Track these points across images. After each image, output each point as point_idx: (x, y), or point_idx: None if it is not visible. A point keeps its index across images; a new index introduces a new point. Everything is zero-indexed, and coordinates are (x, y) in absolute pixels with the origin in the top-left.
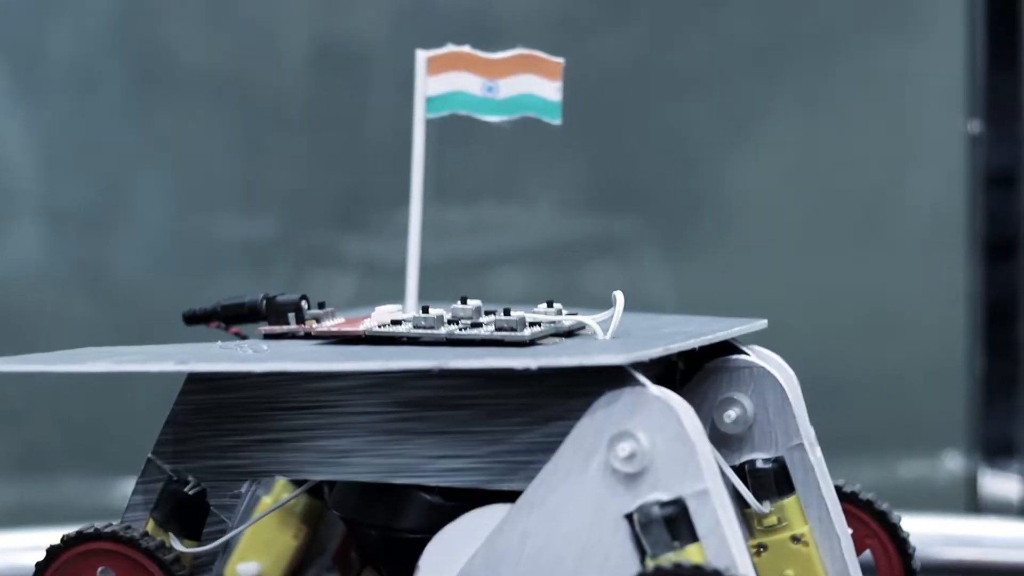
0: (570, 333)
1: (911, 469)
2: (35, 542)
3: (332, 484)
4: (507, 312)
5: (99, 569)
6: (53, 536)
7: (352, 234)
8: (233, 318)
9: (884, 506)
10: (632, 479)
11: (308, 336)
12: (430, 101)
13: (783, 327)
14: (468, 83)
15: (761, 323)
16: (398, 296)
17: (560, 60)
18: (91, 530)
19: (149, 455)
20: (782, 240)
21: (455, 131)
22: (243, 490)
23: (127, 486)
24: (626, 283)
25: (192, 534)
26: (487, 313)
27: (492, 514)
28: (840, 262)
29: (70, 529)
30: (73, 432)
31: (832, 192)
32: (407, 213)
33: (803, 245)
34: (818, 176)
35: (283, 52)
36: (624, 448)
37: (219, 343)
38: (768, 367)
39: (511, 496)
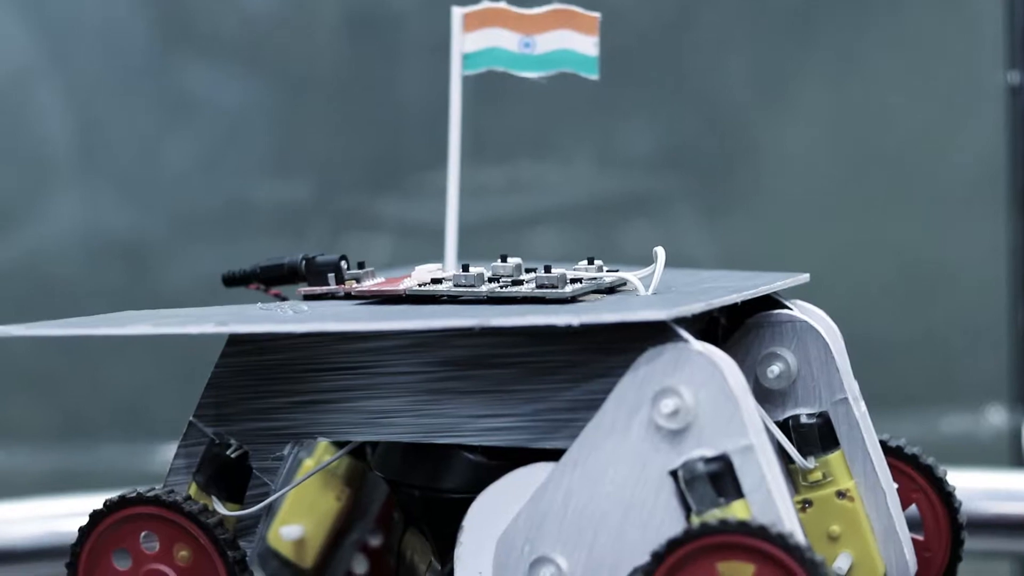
0: (611, 290)
1: (953, 424)
2: (77, 508)
3: (374, 445)
4: (548, 269)
5: (142, 533)
6: (95, 501)
7: (387, 196)
8: (272, 279)
9: (930, 460)
10: (676, 435)
11: (348, 296)
12: (466, 58)
13: (823, 284)
14: (504, 39)
15: (803, 277)
16: (434, 257)
17: (597, 15)
18: (134, 494)
19: (191, 418)
20: (821, 197)
21: (489, 89)
22: (285, 452)
23: (167, 451)
24: (663, 241)
25: (235, 497)
26: (527, 271)
27: (535, 473)
28: (880, 218)
29: (112, 494)
30: (113, 398)
31: (871, 148)
32: (441, 174)
33: (843, 202)
34: (856, 132)
35: (316, 15)
36: (668, 404)
37: (259, 304)
38: (811, 321)
39: (554, 454)
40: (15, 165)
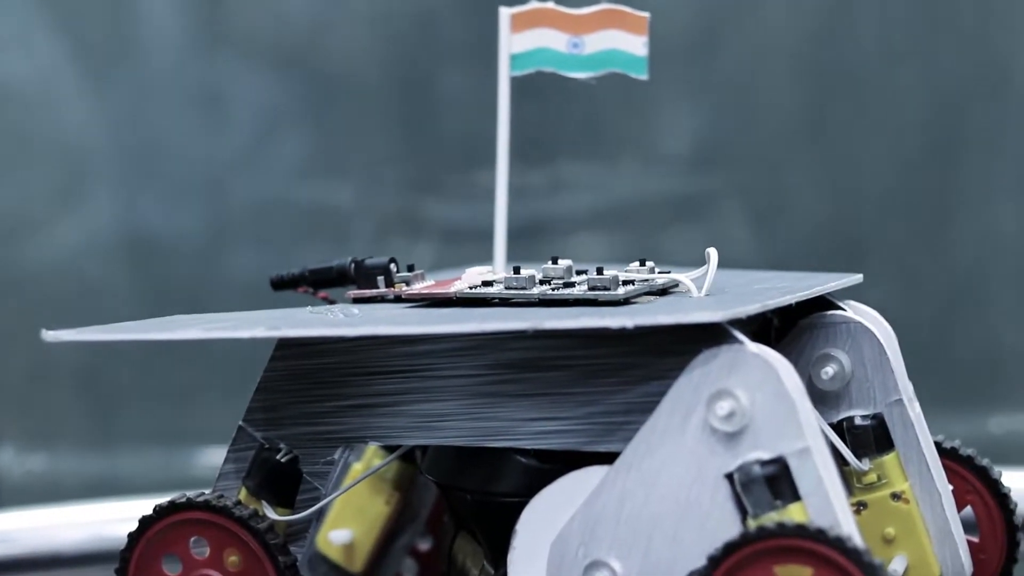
0: (663, 291)
1: (1001, 424)
2: (124, 513)
3: (424, 448)
4: (600, 271)
5: (192, 538)
6: (142, 506)
7: (430, 197)
8: (321, 282)
9: (985, 462)
10: (732, 438)
11: (398, 299)
12: (514, 58)
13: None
14: (553, 39)
15: (857, 277)
16: (478, 259)
17: (646, 14)
18: (184, 499)
19: (240, 422)
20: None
21: (534, 89)
22: (336, 457)
23: (211, 456)
24: (710, 241)
25: (285, 502)
26: (579, 272)
27: (589, 476)
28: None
29: (158, 499)
30: (157, 402)
31: (926, 146)
32: (483, 175)
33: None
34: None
35: (355, 14)
36: (723, 407)
37: (309, 308)
38: (865, 322)
39: (608, 458)
40: (51, 165)
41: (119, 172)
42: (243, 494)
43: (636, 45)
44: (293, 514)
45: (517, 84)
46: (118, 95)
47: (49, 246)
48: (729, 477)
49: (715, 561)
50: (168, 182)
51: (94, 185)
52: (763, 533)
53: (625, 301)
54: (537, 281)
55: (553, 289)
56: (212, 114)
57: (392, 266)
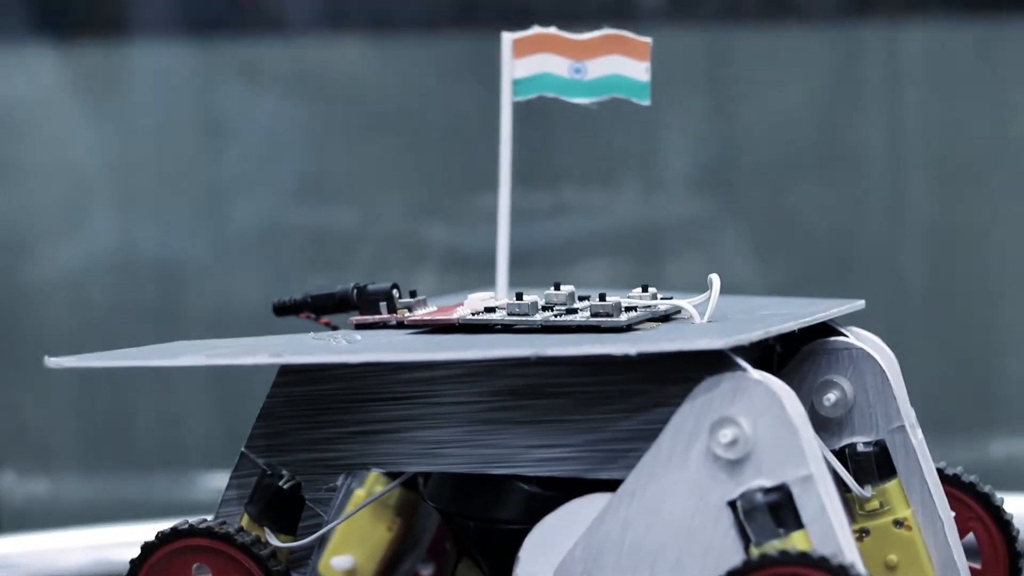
0: (666, 318)
1: (1000, 449)
2: (125, 537)
3: (427, 475)
4: (603, 297)
5: (194, 565)
6: (143, 530)
7: (431, 222)
8: (323, 308)
9: (987, 488)
10: (735, 465)
11: (400, 325)
12: (517, 84)
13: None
14: (555, 65)
15: (859, 303)
16: (480, 284)
17: (648, 40)
18: (185, 526)
19: (243, 449)
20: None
21: (535, 114)
22: (338, 483)
23: (211, 480)
24: (711, 267)
25: (288, 528)
26: (581, 298)
27: (592, 503)
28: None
29: (159, 524)
30: (157, 426)
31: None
32: (486, 199)
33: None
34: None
35: (356, 37)
36: (726, 434)
37: (311, 334)
38: (867, 348)
39: (611, 485)
40: (51, 186)
41: (116, 192)
42: (245, 520)
43: (638, 71)
44: (295, 540)
45: (519, 108)
46: (118, 118)
47: (46, 267)
48: (732, 505)
49: None
50: (165, 204)
51: (91, 205)
52: (766, 561)
53: (628, 328)
54: (540, 307)
55: (556, 316)
56: (213, 136)
57: (395, 292)
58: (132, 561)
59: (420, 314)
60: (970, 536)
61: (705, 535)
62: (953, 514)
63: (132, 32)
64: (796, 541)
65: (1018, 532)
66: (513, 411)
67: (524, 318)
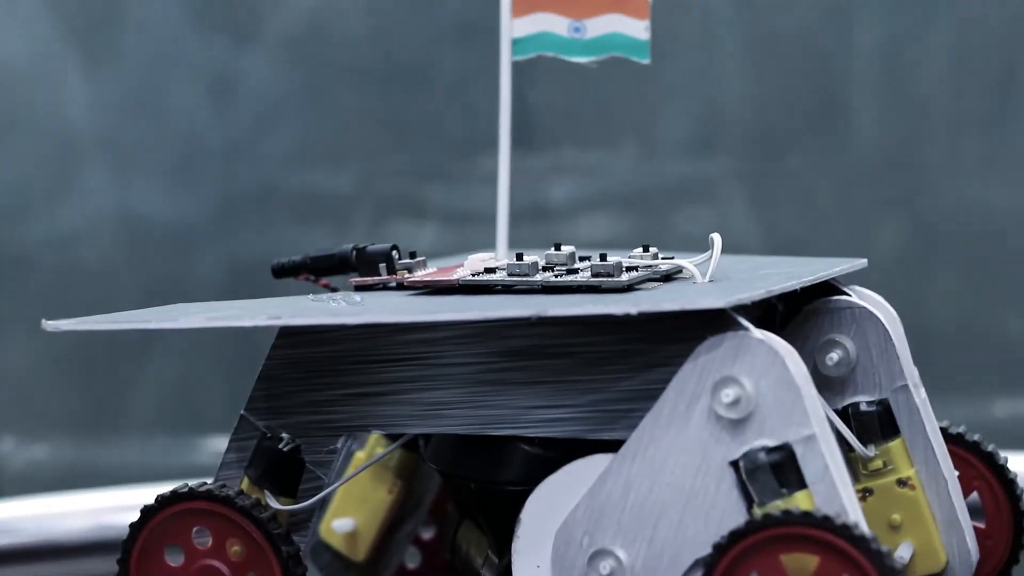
0: (667, 277)
1: (1005, 408)
2: (126, 501)
3: (427, 437)
4: (603, 257)
5: (194, 529)
6: (143, 494)
7: (431, 183)
8: (322, 270)
9: (991, 447)
10: (737, 425)
11: (400, 287)
12: (516, 43)
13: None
14: (554, 24)
15: (861, 262)
16: (479, 244)
17: None
18: (185, 489)
19: (242, 412)
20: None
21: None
22: (339, 445)
23: (214, 444)
24: (714, 227)
25: (288, 491)
26: (582, 259)
27: (594, 464)
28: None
29: (159, 488)
30: (157, 388)
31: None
32: (484, 160)
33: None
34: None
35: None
36: (728, 394)
37: (310, 296)
38: (870, 307)
39: (612, 445)
40: (46, 147)
41: (112, 154)
42: (245, 483)
43: (638, 29)
44: (296, 503)
45: (517, 68)
46: (113, 75)
47: (41, 228)
48: (734, 465)
49: (721, 549)
50: (162, 165)
51: (86, 167)
52: (769, 521)
53: (629, 288)
54: (540, 268)
55: (556, 276)
56: (209, 96)
57: (394, 253)
58: (132, 525)
59: (420, 275)
60: (974, 495)
61: (708, 495)
62: (957, 473)
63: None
64: (799, 501)
65: (1022, 491)
66: (514, 372)
67: (525, 278)
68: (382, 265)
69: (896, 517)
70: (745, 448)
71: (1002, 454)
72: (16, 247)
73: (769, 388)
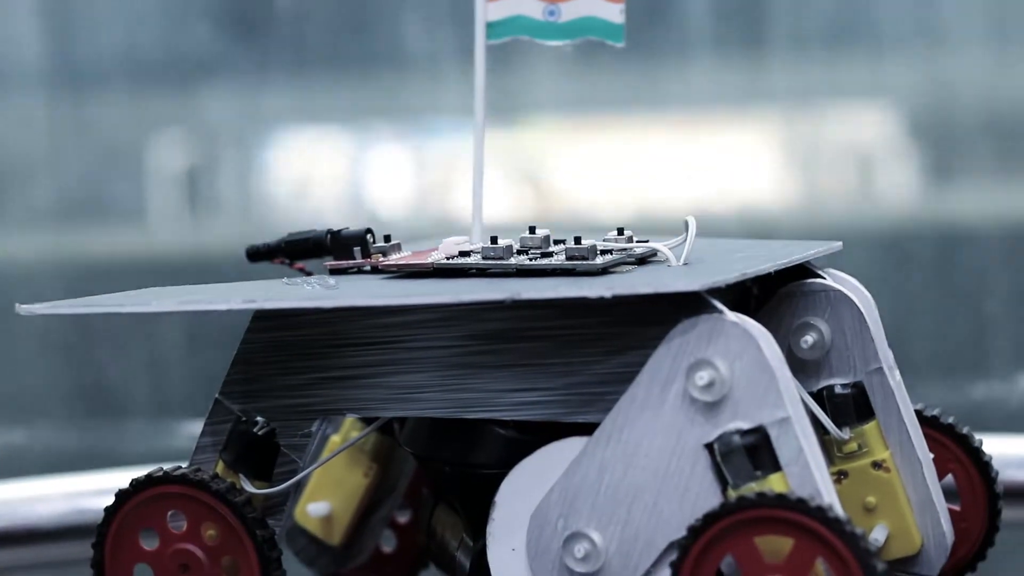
0: (642, 260)
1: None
2: (101, 485)
3: (402, 420)
4: (578, 241)
5: (169, 512)
6: (119, 478)
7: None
8: (297, 253)
9: (966, 430)
10: (711, 408)
11: (375, 270)
12: (490, 27)
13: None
14: (528, 7)
15: (836, 245)
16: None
17: None
18: (160, 473)
19: (217, 395)
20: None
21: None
22: (313, 429)
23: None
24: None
25: (263, 475)
26: (556, 242)
27: (569, 447)
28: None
29: (136, 472)
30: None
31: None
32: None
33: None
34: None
35: None
36: (702, 376)
37: (284, 279)
38: (844, 290)
39: (587, 428)
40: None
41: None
42: (220, 467)
43: (613, 12)
44: (271, 487)
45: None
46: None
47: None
48: (709, 447)
49: (695, 532)
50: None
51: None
52: (743, 503)
53: (603, 271)
54: (514, 251)
55: (531, 259)
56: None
57: (369, 237)
58: (107, 508)
59: (394, 259)
60: (949, 477)
61: (682, 478)
62: (932, 455)
63: None
64: (773, 483)
65: (996, 473)
66: (489, 355)
67: (499, 262)
68: (357, 249)
69: (871, 500)
70: (719, 431)
71: (976, 436)
72: None
73: (743, 371)
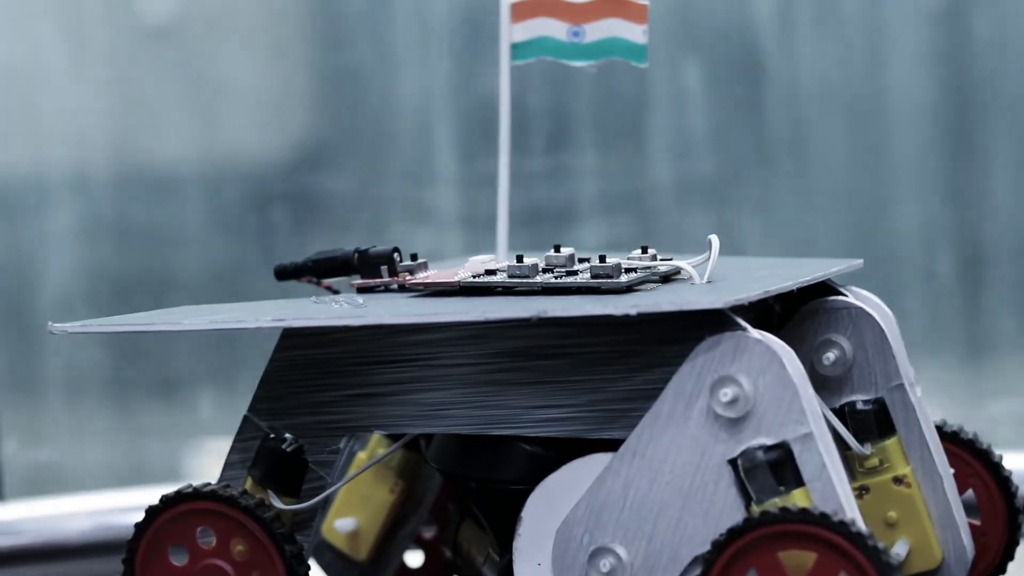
0: (666, 279)
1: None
2: (130, 502)
3: (428, 437)
4: (603, 259)
5: (199, 528)
6: (148, 495)
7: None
8: (325, 272)
9: (986, 445)
10: (735, 424)
11: (401, 288)
12: (515, 48)
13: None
14: (553, 29)
15: (857, 262)
16: (480, 247)
17: (646, 2)
18: (190, 490)
19: (246, 413)
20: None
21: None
22: (341, 446)
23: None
24: (713, 229)
25: (291, 491)
26: (581, 260)
27: (594, 463)
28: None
29: (163, 488)
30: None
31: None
32: (483, 162)
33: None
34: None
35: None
36: (726, 393)
37: (312, 298)
38: (866, 307)
39: (612, 445)
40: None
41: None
42: (249, 484)
43: (636, 33)
44: (299, 503)
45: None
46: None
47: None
48: (733, 463)
49: (719, 547)
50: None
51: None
52: (767, 518)
53: (628, 289)
54: (540, 269)
55: (556, 277)
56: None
57: (396, 255)
58: (137, 525)
59: (421, 277)
60: (969, 492)
61: (706, 493)
62: (952, 471)
63: None
64: (797, 498)
65: (1017, 488)
66: (514, 372)
67: (525, 280)
68: (384, 267)
69: (892, 514)
70: (743, 447)
71: (997, 452)
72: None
73: (767, 387)
